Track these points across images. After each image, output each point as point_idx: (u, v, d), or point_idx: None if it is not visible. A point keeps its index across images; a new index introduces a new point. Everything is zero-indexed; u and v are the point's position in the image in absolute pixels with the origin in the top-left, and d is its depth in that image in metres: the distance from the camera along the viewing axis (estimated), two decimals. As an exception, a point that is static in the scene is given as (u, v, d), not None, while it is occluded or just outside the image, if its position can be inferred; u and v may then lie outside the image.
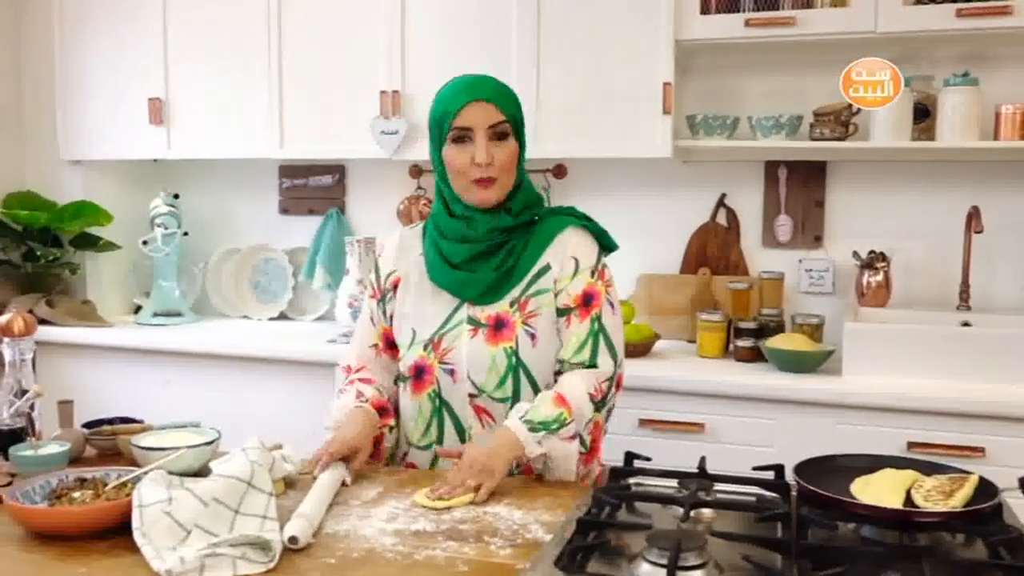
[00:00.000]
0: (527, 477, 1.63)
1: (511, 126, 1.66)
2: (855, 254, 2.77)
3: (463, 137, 1.64)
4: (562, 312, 1.69)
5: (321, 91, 3.05)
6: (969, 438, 2.26)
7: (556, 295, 1.69)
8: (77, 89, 3.34)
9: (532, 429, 1.56)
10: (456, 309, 1.70)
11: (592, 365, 1.66)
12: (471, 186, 1.65)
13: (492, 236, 1.68)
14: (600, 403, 1.65)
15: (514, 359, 1.66)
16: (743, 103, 2.86)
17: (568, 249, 1.70)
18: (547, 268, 1.69)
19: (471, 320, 1.69)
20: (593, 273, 1.70)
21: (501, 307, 1.68)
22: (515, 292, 1.68)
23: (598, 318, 1.68)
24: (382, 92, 2.94)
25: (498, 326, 1.67)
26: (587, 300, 1.68)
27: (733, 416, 2.45)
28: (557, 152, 2.82)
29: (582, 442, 1.61)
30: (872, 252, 2.76)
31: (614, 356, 1.68)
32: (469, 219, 1.69)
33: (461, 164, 1.64)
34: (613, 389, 1.68)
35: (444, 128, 1.65)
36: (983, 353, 2.37)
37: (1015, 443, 2.23)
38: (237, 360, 3.00)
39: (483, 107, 1.63)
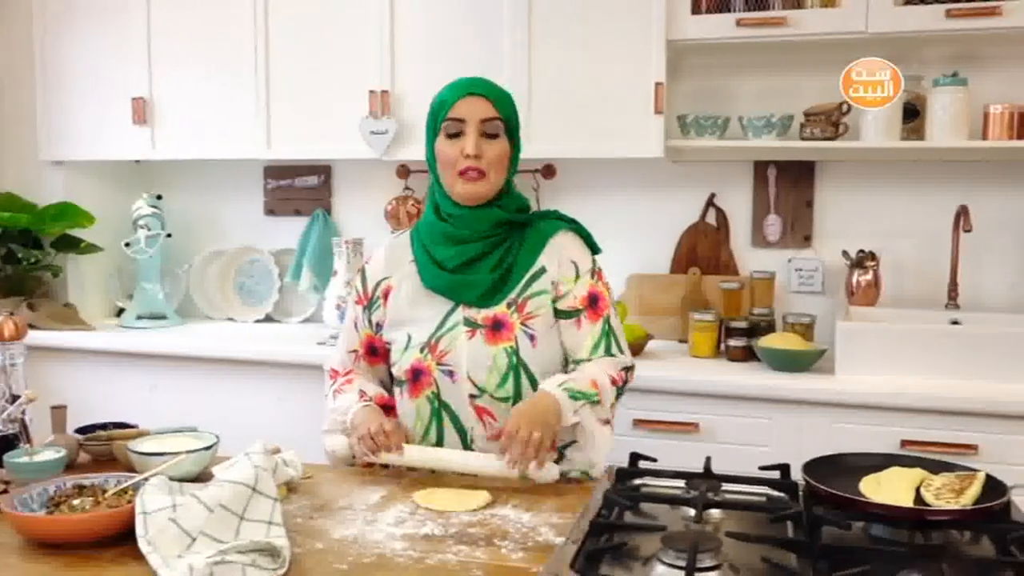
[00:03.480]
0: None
1: (504, 126, 1.69)
2: (844, 253, 2.78)
3: (456, 133, 1.67)
4: (569, 314, 1.72)
5: (309, 90, 3.01)
6: (962, 435, 2.27)
7: (556, 298, 1.71)
8: (58, 87, 3.27)
9: (572, 397, 1.60)
10: (451, 311, 1.70)
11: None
12: (459, 179, 1.67)
13: (491, 231, 1.69)
14: (620, 390, 1.70)
15: (514, 358, 1.66)
16: (734, 103, 2.87)
17: (564, 253, 1.74)
18: (543, 270, 1.71)
19: (468, 322, 1.69)
20: (593, 275, 1.75)
21: (498, 308, 1.69)
22: (512, 294, 1.69)
23: (608, 319, 1.73)
24: (371, 92, 2.91)
25: (496, 327, 1.68)
26: (593, 301, 1.73)
27: (728, 416, 2.45)
28: (548, 152, 2.81)
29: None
30: (861, 251, 2.77)
31: (623, 352, 1.75)
32: (461, 217, 1.69)
33: (451, 155, 1.67)
34: (629, 379, 1.73)
35: (439, 118, 1.69)
36: (974, 351, 2.39)
37: (1006, 440, 2.25)
38: (223, 363, 2.95)
39: (479, 101, 1.67)
